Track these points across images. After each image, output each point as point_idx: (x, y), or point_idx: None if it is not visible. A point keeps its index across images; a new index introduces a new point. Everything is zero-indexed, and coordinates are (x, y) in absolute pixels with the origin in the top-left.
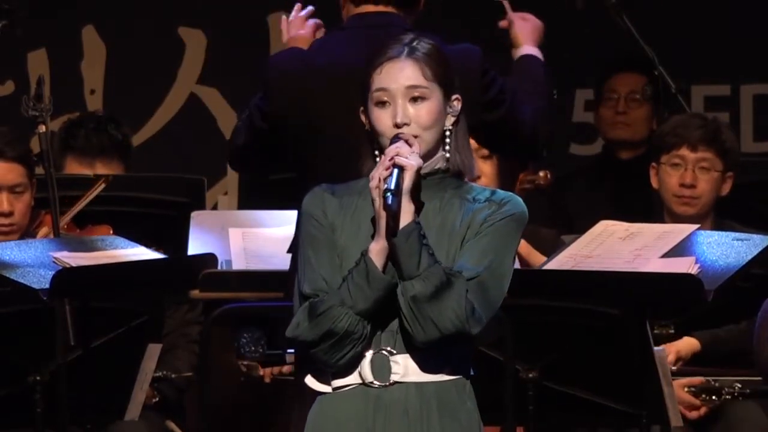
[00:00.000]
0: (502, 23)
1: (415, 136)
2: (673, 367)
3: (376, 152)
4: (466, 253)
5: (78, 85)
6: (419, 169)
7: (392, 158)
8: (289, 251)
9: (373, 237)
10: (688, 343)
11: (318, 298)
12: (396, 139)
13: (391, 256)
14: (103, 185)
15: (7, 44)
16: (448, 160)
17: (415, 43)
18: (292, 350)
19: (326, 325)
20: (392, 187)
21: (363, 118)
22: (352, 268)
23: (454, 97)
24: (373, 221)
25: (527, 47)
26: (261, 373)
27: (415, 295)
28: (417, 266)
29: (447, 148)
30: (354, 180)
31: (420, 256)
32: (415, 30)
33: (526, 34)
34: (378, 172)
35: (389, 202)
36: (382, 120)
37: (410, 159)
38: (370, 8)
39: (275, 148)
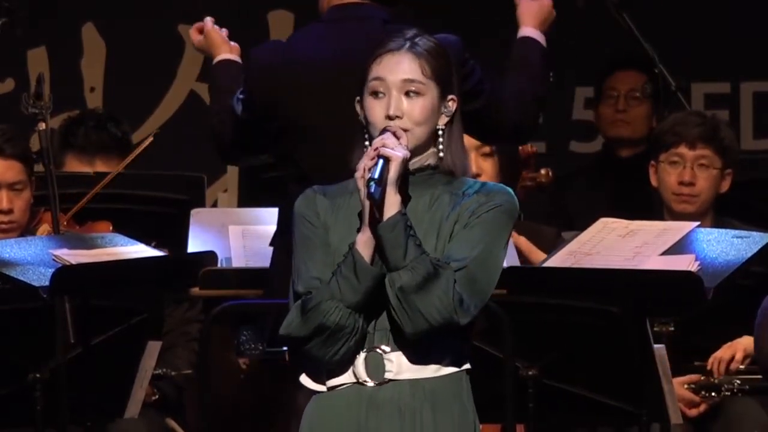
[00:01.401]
0: (517, 2)
1: (405, 130)
2: (741, 366)
3: (366, 143)
4: (454, 244)
5: (78, 82)
6: (406, 161)
7: (377, 148)
8: (270, 245)
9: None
10: (751, 341)
11: (310, 294)
12: (384, 130)
13: (377, 248)
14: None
15: (7, 42)
16: (441, 159)
17: (417, 39)
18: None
19: (317, 320)
20: (376, 176)
21: (358, 108)
22: (340, 262)
23: (450, 97)
24: (361, 215)
25: (526, 29)
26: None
27: (401, 285)
28: (403, 257)
29: (441, 147)
30: (345, 179)
31: (406, 247)
32: (393, 20)
33: (528, 15)
34: (363, 163)
35: (372, 190)
36: (375, 110)
37: (396, 150)
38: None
39: (264, 138)
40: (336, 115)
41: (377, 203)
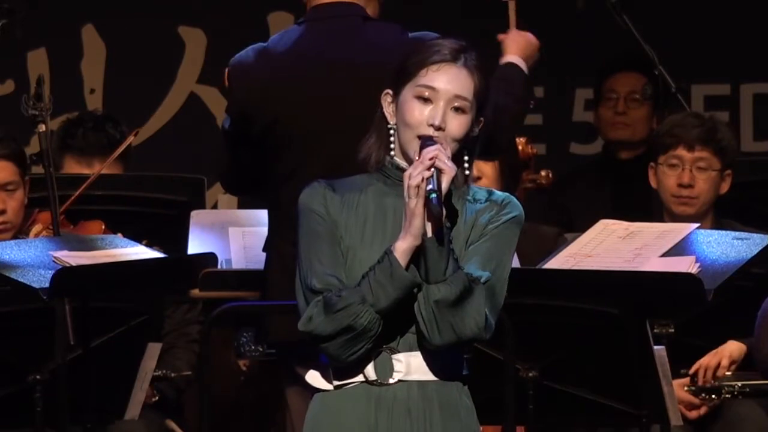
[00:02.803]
0: (501, 36)
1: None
2: (728, 372)
3: (392, 138)
4: (472, 257)
5: (78, 84)
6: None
7: (432, 159)
8: (264, 250)
9: (376, 233)
10: (738, 347)
11: (332, 292)
12: (431, 141)
13: (422, 259)
14: (133, 137)
15: (7, 43)
16: (466, 177)
17: (467, 53)
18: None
19: (346, 321)
20: (436, 187)
21: (387, 100)
22: (374, 265)
23: (480, 118)
24: (376, 219)
25: (509, 56)
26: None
27: (439, 299)
28: (444, 271)
29: (466, 166)
30: (344, 174)
31: (448, 260)
32: (373, 19)
33: (514, 46)
34: (418, 171)
35: (435, 202)
36: (417, 113)
37: (448, 163)
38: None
39: (252, 146)
40: (322, 111)
41: (438, 215)
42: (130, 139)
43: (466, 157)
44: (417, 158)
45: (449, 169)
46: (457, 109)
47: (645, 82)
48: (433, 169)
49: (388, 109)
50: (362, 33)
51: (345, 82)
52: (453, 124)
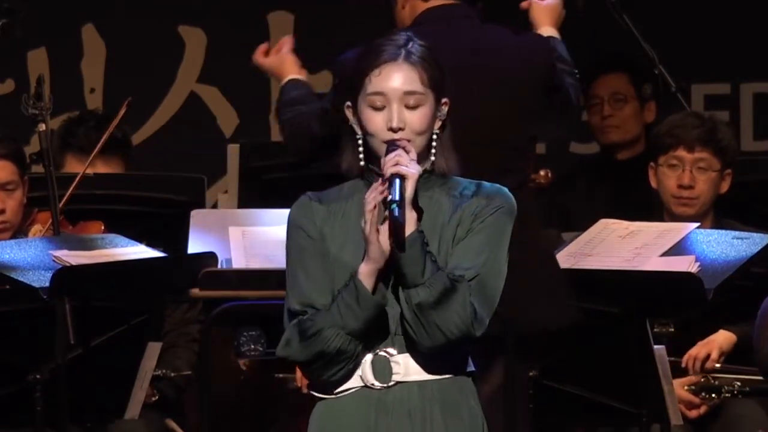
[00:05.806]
0: (524, 4)
1: (407, 141)
2: (717, 365)
3: (360, 149)
4: (460, 252)
5: (78, 83)
6: (419, 176)
7: (394, 165)
8: None
9: (360, 240)
10: (726, 337)
11: (307, 316)
12: (394, 146)
13: (396, 265)
14: (125, 109)
15: (7, 43)
16: (433, 163)
17: (410, 46)
18: None
19: (318, 347)
20: (397, 198)
21: (348, 113)
22: (341, 288)
23: (443, 100)
24: (357, 234)
25: (545, 28)
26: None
27: (420, 302)
28: (421, 274)
29: (433, 151)
30: (339, 184)
31: (424, 264)
32: (479, 22)
33: (543, 15)
34: (372, 196)
35: (396, 214)
36: (375, 121)
37: (410, 167)
38: (439, 2)
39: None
40: (470, 117)
41: (401, 225)
42: (123, 111)
43: (434, 143)
44: (383, 163)
45: (411, 173)
46: (411, 104)
47: (627, 79)
48: (394, 178)
49: (353, 120)
50: (483, 34)
51: (485, 85)
52: (411, 120)
